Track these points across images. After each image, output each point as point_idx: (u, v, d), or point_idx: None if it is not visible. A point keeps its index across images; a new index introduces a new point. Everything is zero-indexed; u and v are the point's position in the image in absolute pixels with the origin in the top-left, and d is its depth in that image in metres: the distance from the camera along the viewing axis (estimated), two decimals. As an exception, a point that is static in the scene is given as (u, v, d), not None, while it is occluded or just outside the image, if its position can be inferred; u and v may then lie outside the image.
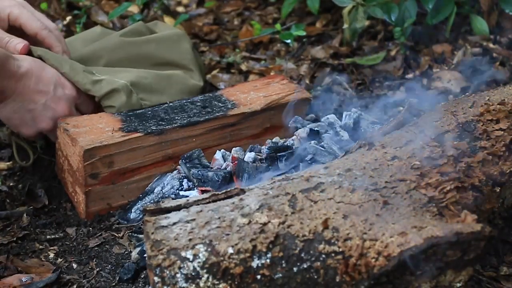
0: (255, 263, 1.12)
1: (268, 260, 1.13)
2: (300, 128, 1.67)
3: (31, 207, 1.69)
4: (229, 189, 1.26)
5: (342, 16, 2.34)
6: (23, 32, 1.73)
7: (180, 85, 1.86)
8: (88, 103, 1.73)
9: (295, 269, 1.13)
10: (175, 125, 1.66)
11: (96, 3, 2.67)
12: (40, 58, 1.73)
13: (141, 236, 1.49)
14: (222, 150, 1.64)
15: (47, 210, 1.70)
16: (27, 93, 1.60)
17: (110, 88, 1.71)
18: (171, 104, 1.75)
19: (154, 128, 1.64)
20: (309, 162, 1.53)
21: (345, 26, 2.30)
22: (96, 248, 1.57)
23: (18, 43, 1.69)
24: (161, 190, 1.61)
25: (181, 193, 1.57)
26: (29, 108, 1.62)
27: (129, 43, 1.90)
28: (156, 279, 1.11)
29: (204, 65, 2.19)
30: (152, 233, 1.14)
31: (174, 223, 1.15)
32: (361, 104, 2.16)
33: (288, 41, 2.35)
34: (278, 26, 2.37)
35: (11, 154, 1.84)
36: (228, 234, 1.13)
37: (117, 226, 1.63)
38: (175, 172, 1.65)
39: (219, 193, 1.25)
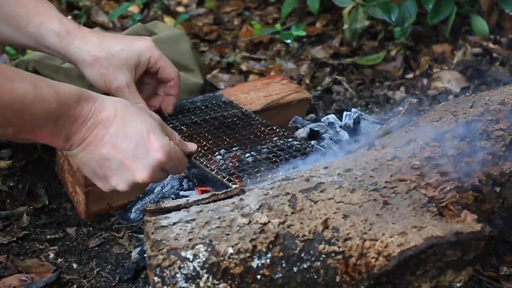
0: (255, 263, 1.12)
1: (268, 260, 1.13)
2: (300, 128, 1.67)
3: (31, 207, 1.69)
4: (229, 189, 1.26)
5: (342, 16, 2.34)
6: (151, 75, 1.61)
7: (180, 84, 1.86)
8: (178, 165, 1.40)
9: (295, 269, 1.13)
10: (175, 125, 1.66)
11: (96, 3, 2.68)
12: (34, 69, 1.72)
13: (141, 236, 1.49)
14: (222, 150, 1.64)
15: (47, 210, 1.70)
16: (99, 144, 1.30)
17: None
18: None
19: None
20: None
21: (345, 26, 2.30)
22: (96, 248, 1.57)
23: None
24: (161, 190, 1.61)
25: (181, 193, 1.57)
26: (101, 163, 1.32)
27: None
28: (156, 279, 1.11)
29: (204, 65, 2.20)
30: (152, 233, 1.14)
31: (174, 223, 1.15)
32: (361, 104, 2.16)
33: (288, 41, 2.35)
34: (278, 26, 2.37)
35: (11, 153, 1.84)
36: (228, 234, 1.13)
37: (117, 226, 1.63)
38: (175, 172, 1.65)
39: (219, 193, 1.25)
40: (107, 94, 1.60)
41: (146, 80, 1.63)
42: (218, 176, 1.41)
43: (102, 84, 1.55)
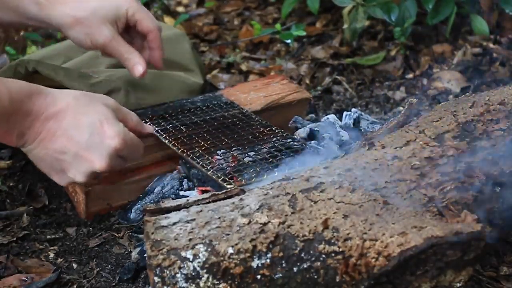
0: (255, 263, 1.12)
1: (268, 260, 1.13)
2: (300, 128, 1.67)
3: (31, 207, 1.69)
4: (229, 189, 1.26)
5: (342, 16, 2.34)
6: (134, 29, 1.61)
7: (180, 84, 1.86)
8: (135, 150, 1.42)
9: (295, 269, 1.13)
10: (175, 125, 1.66)
11: (96, 3, 2.67)
12: (34, 69, 1.72)
13: (141, 236, 1.49)
14: (222, 150, 1.64)
15: (47, 210, 1.70)
16: (53, 139, 1.31)
17: (108, 89, 1.71)
18: (171, 104, 1.75)
19: (154, 128, 1.64)
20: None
21: (345, 26, 2.30)
22: (96, 248, 1.57)
23: (137, 64, 1.57)
24: (161, 190, 1.61)
25: (181, 193, 1.57)
26: (56, 157, 1.33)
27: None
28: (156, 279, 1.11)
29: (204, 65, 2.20)
30: (152, 233, 1.14)
31: (174, 223, 1.15)
32: (361, 104, 2.16)
33: (288, 41, 2.35)
34: (278, 26, 2.37)
35: (11, 153, 1.84)
36: (228, 234, 1.13)
37: (117, 226, 1.63)
38: (175, 172, 1.65)
39: (219, 193, 1.25)
40: (94, 50, 1.63)
41: (133, 34, 1.63)
42: (214, 176, 1.43)
43: (88, 43, 1.56)
